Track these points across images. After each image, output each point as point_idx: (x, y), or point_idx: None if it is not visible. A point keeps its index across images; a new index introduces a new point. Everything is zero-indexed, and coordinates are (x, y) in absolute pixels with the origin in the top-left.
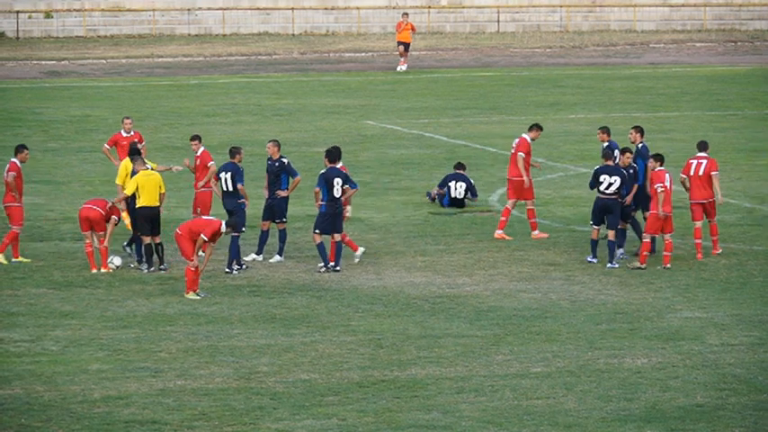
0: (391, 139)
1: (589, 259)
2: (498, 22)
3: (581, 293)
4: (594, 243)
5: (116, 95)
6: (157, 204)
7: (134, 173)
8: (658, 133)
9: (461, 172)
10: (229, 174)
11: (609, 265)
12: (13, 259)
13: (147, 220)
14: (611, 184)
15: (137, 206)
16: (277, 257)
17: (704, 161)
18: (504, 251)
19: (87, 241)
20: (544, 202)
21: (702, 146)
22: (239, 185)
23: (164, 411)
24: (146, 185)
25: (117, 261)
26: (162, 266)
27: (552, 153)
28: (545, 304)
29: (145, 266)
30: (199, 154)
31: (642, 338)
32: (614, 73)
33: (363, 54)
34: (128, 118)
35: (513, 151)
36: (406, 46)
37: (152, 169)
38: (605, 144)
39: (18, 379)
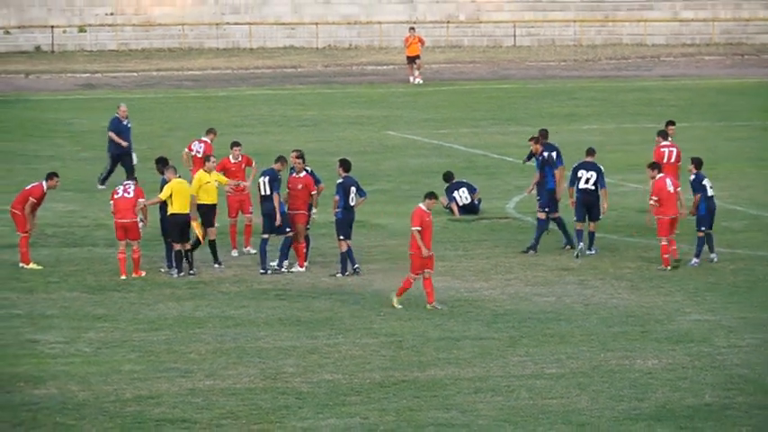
0: (411, 149)
1: (579, 246)
2: (514, 36)
3: (593, 297)
4: (580, 232)
5: (147, 107)
6: (188, 212)
7: (164, 181)
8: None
9: (457, 180)
10: (267, 178)
11: (588, 251)
12: (22, 266)
13: (177, 227)
14: (588, 179)
15: (168, 213)
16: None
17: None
18: (520, 257)
19: (121, 249)
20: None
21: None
22: (275, 193)
23: (193, 410)
24: (179, 193)
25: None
26: (192, 271)
27: (567, 163)
28: (559, 307)
29: (175, 271)
30: (240, 159)
31: (653, 340)
32: (626, 85)
33: (384, 67)
34: (213, 131)
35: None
36: (416, 59)
37: (219, 183)
38: (543, 154)
39: (53, 379)
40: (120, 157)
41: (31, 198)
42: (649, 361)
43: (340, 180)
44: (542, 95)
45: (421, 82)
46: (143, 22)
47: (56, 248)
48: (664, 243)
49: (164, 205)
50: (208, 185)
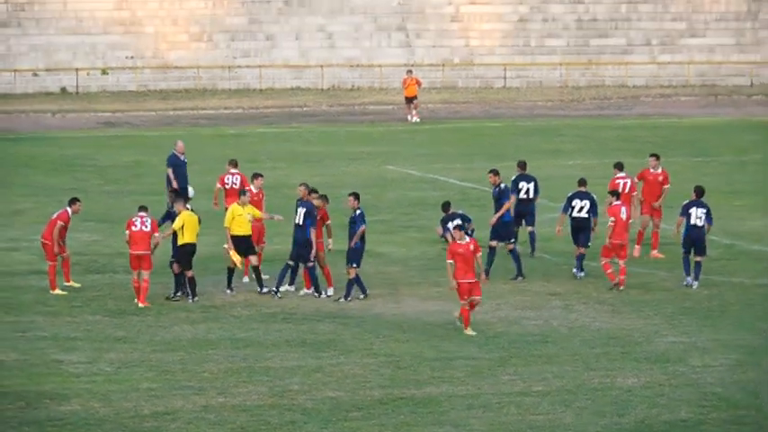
0: (409, 183)
1: (575, 272)
2: (505, 78)
3: (578, 320)
4: (579, 258)
5: (164, 144)
6: (195, 242)
7: (172, 214)
8: None
9: (452, 211)
10: (304, 210)
11: (575, 271)
12: (51, 291)
13: (187, 255)
14: (582, 207)
15: (179, 243)
16: (290, 288)
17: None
18: (510, 283)
19: (134, 277)
20: (546, 238)
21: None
22: (310, 227)
23: (206, 425)
24: (189, 224)
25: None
26: (195, 298)
27: (552, 195)
28: (546, 330)
29: (172, 293)
30: (260, 190)
31: (632, 360)
32: (608, 123)
33: (384, 107)
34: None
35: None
36: (413, 99)
37: (253, 217)
38: (500, 185)
39: (76, 396)
40: (175, 191)
41: (59, 222)
42: (629, 379)
43: (360, 211)
44: (530, 133)
45: (418, 120)
46: (161, 65)
47: (79, 275)
48: (604, 263)
49: (174, 236)
50: (240, 218)
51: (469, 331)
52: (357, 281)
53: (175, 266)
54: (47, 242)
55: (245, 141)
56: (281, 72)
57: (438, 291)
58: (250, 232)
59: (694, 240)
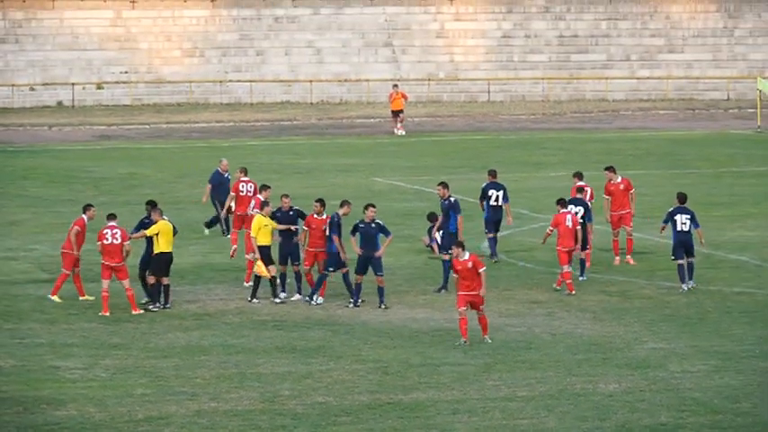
0: (396, 194)
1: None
2: (489, 92)
3: (560, 327)
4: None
5: (158, 156)
6: (171, 251)
7: (148, 224)
8: None
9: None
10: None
11: (581, 277)
12: (50, 296)
13: (164, 264)
14: (577, 213)
15: (155, 251)
16: (297, 296)
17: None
18: (494, 291)
19: (104, 287)
20: (528, 248)
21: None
22: (334, 236)
23: (199, 430)
24: (165, 233)
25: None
26: (167, 305)
27: (535, 206)
28: (529, 337)
29: (152, 303)
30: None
31: (614, 366)
32: (589, 137)
33: (372, 120)
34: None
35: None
36: (399, 113)
37: (271, 228)
38: (449, 198)
39: (73, 401)
40: (223, 203)
41: (75, 227)
42: (610, 385)
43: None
44: (513, 146)
45: (404, 133)
46: (154, 80)
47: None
48: (565, 270)
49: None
50: (266, 228)
51: (488, 339)
52: (358, 287)
53: (150, 278)
54: (65, 251)
55: (236, 154)
56: (271, 87)
57: (424, 299)
58: (270, 243)
59: (684, 245)
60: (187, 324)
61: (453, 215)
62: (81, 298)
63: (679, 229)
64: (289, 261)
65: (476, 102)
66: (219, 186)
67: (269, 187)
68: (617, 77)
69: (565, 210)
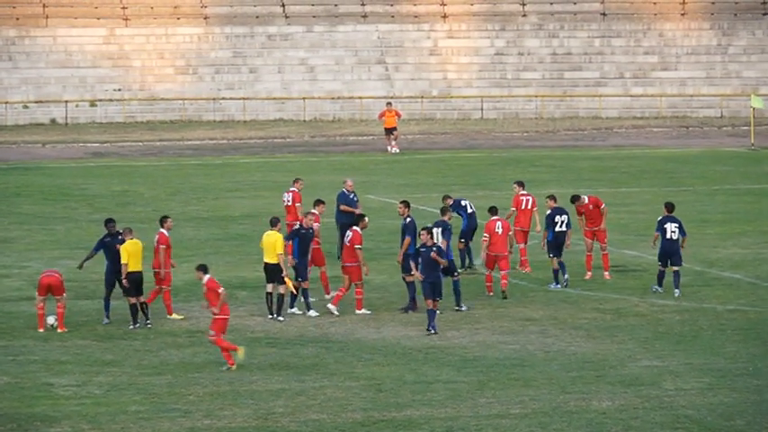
0: (389, 211)
1: (552, 287)
2: (482, 109)
3: (554, 345)
4: (556, 272)
5: (151, 173)
6: (141, 270)
7: (108, 242)
8: (621, 206)
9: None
10: (440, 229)
11: (552, 286)
12: (168, 316)
13: (133, 284)
14: (562, 222)
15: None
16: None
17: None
18: (488, 308)
19: (40, 304)
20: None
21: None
22: (444, 240)
23: None
24: (133, 254)
25: (50, 320)
26: (148, 322)
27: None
28: (523, 354)
29: (131, 324)
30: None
31: (607, 384)
32: (582, 154)
33: (365, 137)
34: (298, 180)
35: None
36: (393, 130)
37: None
38: (407, 218)
39: (66, 419)
40: (345, 226)
41: (161, 246)
42: (604, 402)
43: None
44: (507, 163)
45: (397, 151)
46: (147, 98)
47: (70, 301)
48: (487, 273)
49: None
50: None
51: None
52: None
53: (131, 299)
54: (156, 270)
55: (229, 171)
56: (264, 104)
57: (418, 316)
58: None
59: (670, 253)
60: (180, 341)
61: (412, 236)
62: (169, 316)
63: (668, 237)
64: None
65: (469, 119)
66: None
67: (323, 202)
68: (610, 95)
69: (495, 217)
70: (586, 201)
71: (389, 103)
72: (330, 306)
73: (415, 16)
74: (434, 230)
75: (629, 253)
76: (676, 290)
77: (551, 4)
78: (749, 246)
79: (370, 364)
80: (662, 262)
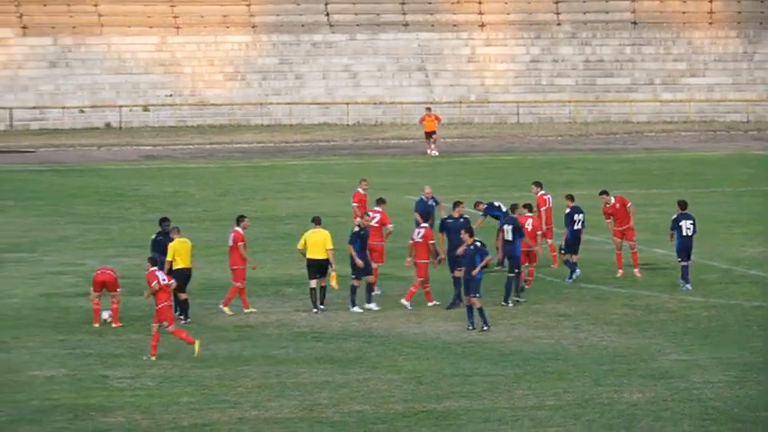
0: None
1: (569, 280)
2: (518, 114)
3: (587, 339)
4: (574, 264)
5: (201, 175)
6: (190, 266)
7: (161, 241)
8: (651, 207)
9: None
10: (511, 227)
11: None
12: (245, 310)
13: (182, 280)
14: (580, 221)
15: (173, 268)
16: (371, 306)
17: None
18: (523, 305)
19: (95, 300)
20: (560, 264)
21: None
22: (519, 239)
23: None
24: (181, 251)
25: (105, 315)
26: (187, 319)
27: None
28: (557, 348)
29: (182, 318)
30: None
31: (638, 377)
32: (614, 157)
33: (406, 141)
34: (364, 180)
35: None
36: (432, 134)
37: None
38: (461, 217)
39: (121, 409)
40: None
41: (239, 244)
42: (635, 395)
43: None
44: (541, 166)
45: (437, 154)
46: (198, 102)
47: (124, 297)
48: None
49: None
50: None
51: None
52: (480, 311)
53: (181, 294)
54: (234, 267)
55: (276, 173)
56: (309, 109)
57: (457, 312)
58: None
59: (687, 248)
60: (229, 335)
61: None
62: (246, 311)
63: (684, 233)
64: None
65: (505, 123)
66: (425, 216)
67: (384, 201)
68: (641, 100)
69: (530, 214)
70: (613, 201)
71: (429, 108)
72: (403, 301)
73: (454, 25)
74: (505, 227)
75: (659, 251)
76: (687, 284)
77: (584, 13)
78: None
79: (410, 358)
80: (682, 257)
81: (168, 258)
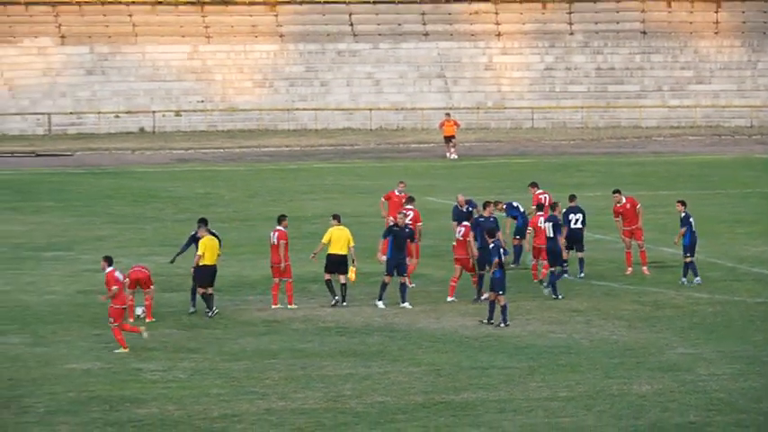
0: (449, 213)
1: (569, 277)
2: (533, 120)
3: (598, 334)
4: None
5: (231, 177)
6: (215, 263)
7: (198, 238)
8: (659, 207)
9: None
10: (551, 224)
11: (580, 275)
12: (289, 306)
13: (208, 275)
14: (577, 220)
15: (200, 263)
16: (405, 305)
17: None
18: (537, 300)
19: (130, 296)
20: (569, 261)
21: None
22: (558, 236)
23: (269, 426)
24: (209, 248)
25: (138, 311)
26: (212, 313)
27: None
28: (569, 342)
29: (209, 312)
30: (412, 216)
31: (646, 370)
32: (624, 160)
33: (426, 145)
34: (402, 182)
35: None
36: (451, 138)
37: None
38: (491, 217)
39: (154, 401)
40: None
41: (281, 242)
42: (644, 387)
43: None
44: (555, 169)
45: (456, 157)
46: (228, 108)
47: (157, 293)
48: (533, 263)
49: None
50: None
51: None
52: (504, 308)
53: (199, 289)
54: (274, 265)
55: (302, 175)
56: (334, 114)
57: (474, 307)
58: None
59: (694, 243)
60: (258, 330)
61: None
62: (289, 306)
63: (694, 229)
64: (395, 272)
65: (521, 128)
66: (458, 222)
67: (414, 200)
68: (650, 106)
69: (540, 213)
70: (624, 201)
71: (448, 114)
72: (450, 299)
73: (472, 35)
74: (546, 225)
75: (667, 250)
76: (697, 278)
77: (596, 23)
78: None
79: (430, 351)
80: (691, 253)
81: (199, 252)
